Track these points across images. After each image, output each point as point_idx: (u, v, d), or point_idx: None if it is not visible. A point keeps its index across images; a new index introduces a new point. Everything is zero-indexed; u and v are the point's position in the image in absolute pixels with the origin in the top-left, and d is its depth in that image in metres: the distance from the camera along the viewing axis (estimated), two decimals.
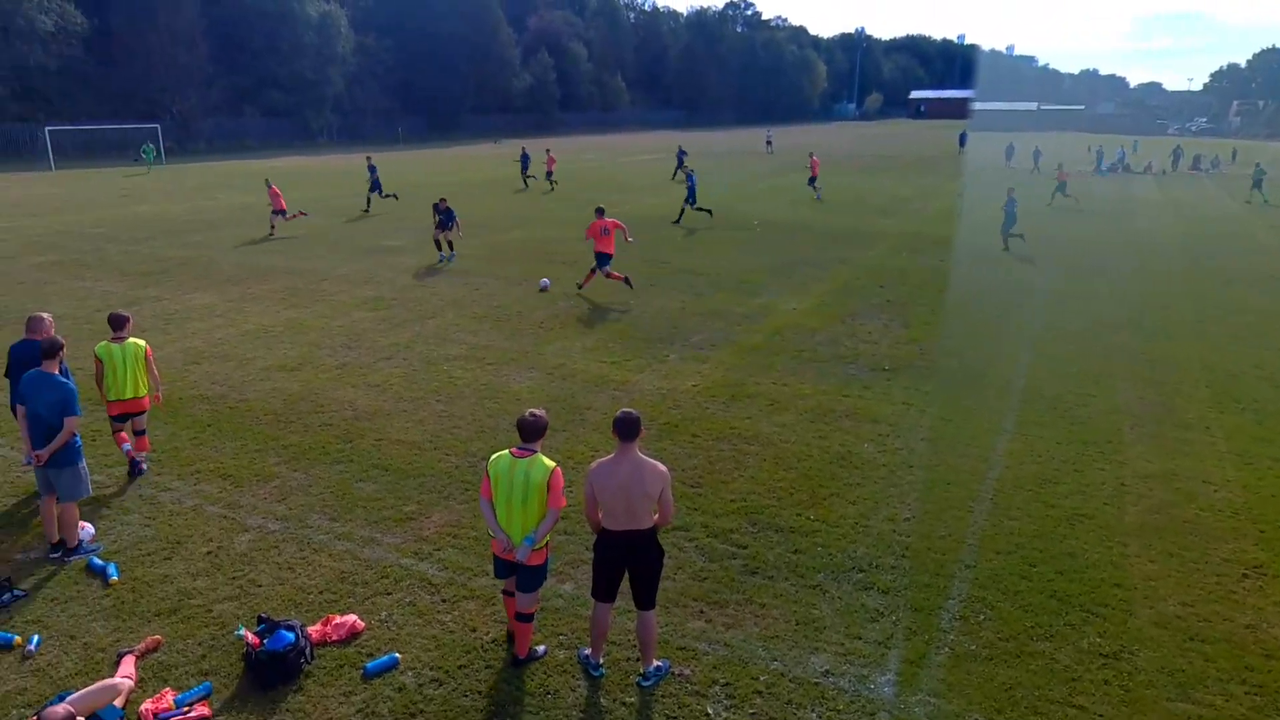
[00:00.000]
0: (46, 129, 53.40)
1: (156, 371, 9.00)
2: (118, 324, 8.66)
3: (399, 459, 9.38)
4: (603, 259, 16.58)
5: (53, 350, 7.38)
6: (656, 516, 5.75)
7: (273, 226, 24.42)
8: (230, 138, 69.03)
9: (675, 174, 39.41)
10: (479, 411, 10.69)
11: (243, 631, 6.27)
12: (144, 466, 8.98)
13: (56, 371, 7.39)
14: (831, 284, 17.61)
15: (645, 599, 5.90)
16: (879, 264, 19.95)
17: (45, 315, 8.16)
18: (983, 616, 6.73)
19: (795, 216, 28.08)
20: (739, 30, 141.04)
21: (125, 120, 60.72)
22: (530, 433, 5.85)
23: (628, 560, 5.81)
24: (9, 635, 6.42)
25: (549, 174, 37.15)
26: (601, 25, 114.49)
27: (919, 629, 6.57)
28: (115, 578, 7.18)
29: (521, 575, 5.99)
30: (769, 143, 66.40)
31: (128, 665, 6.04)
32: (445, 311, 15.76)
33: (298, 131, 74.48)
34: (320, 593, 7.00)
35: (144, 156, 51.51)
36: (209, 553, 7.58)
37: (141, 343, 8.78)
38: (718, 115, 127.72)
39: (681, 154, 42.12)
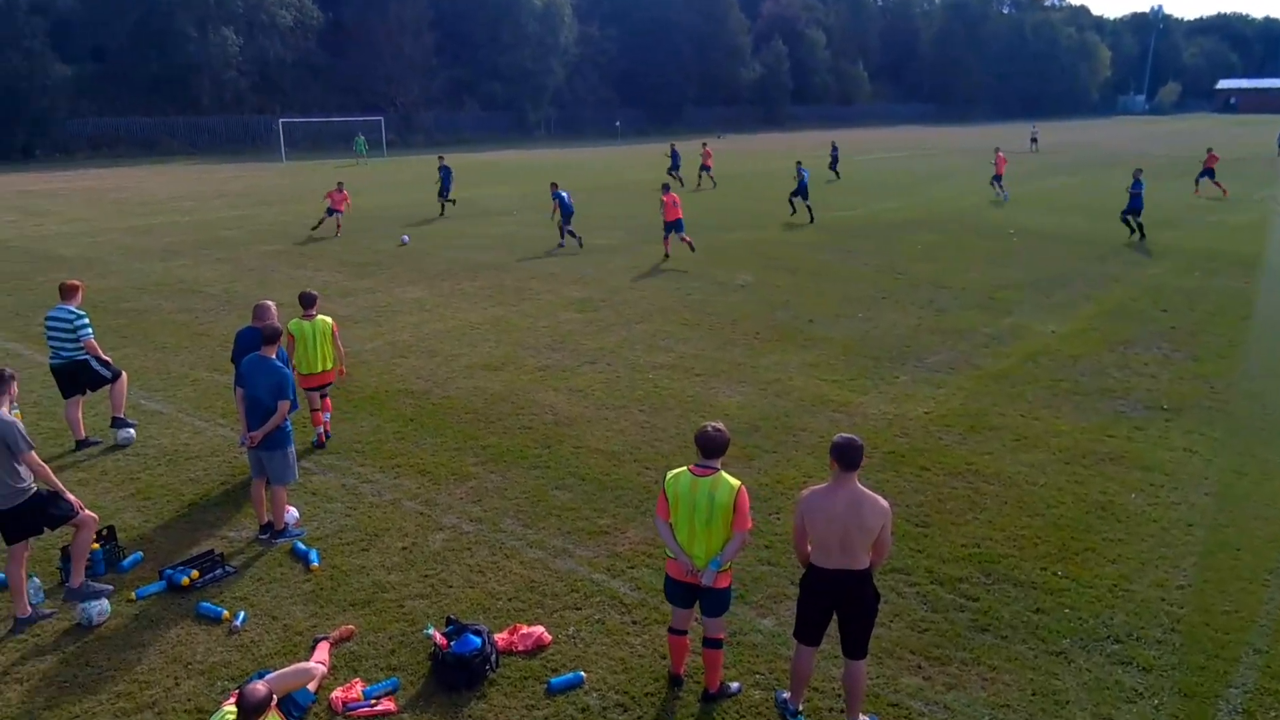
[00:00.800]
0: (280, 121, 59.51)
1: (342, 347, 10.13)
2: (308, 302, 9.86)
3: (597, 469, 9.67)
4: (676, 225, 20.99)
5: (273, 337, 8.17)
6: (873, 556, 5.64)
7: (338, 226, 25.42)
8: (448, 131, 74.00)
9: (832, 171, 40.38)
10: (683, 425, 10.82)
11: (431, 631, 6.64)
12: (325, 439, 10.07)
13: (274, 357, 8.15)
14: (1100, 305, 16.82)
15: (855, 646, 5.81)
16: (1161, 283, 18.91)
17: (269, 303, 9.13)
18: (1274, 714, 6.17)
19: (1059, 225, 27.01)
20: (1004, 12, 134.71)
21: (351, 113, 66.47)
22: (712, 449, 5.83)
23: (838, 601, 5.74)
24: (219, 609, 7.20)
25: (705, 168, 37.72)
26: (843, 10, 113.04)
27: (1189, 719, 6.04)
28: (316, 564, 7.82)
29: (707, 600, 6.00)
30: (1034, 140, 62.91)
31: (322, 651, 6.54)
32: (654, 316, 16.12)
33: (514, 125, 78.70)
34: (509, 599, 7.33)
35: (356, 149, 55.82)
36: (404, 548, 8.09)
37: (329, 319, 9.91)
38: (973, 109, 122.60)
39: (835, 151, 42.04)
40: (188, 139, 61.61)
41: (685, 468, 5.98)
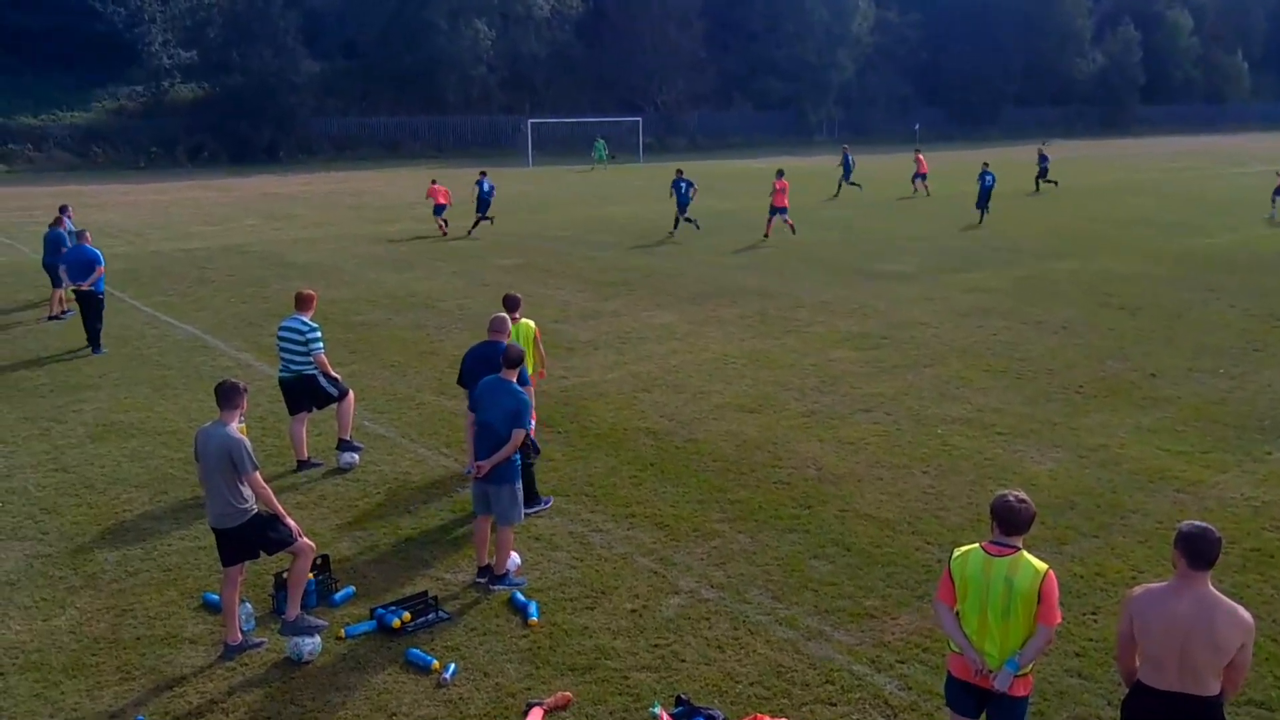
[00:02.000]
0: (529, 121, 63.15)
1: (543, 350, 11.00)
2: (512, 305, 10.66)
3: (866, 538, 9.58)
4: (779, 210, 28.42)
5: (517, 359, 8.60)
6: (1224, 682, 5.23)
7: (444, 223, 29.48)
8: (714, 133, 75.91)
9: (1041, 179, 42.49)
10: (976, 493, 10.57)
11: (658, 710, 6.71)
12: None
13: (515, 380, 8.56)
14: None
15: None
16: None
17: (507, 316, 9.74)
18: None
19: None
20: None
21: (605, 112, 69.69)
22: (1014, 523, 5.62)
23: None
24: (429, 658, 7.57)
25: (921, 176, 40.64)
26: None
27: None
28: (535, 618, 8.12)
29: (997, 710, 5.74)
30: None
31: (535, 717, 6.76)
32: (949, 358, 15.93)
33: (791, 126, 79.91)
34: (750, 684, 7.30)
35: (595, 154, 59.15)
36: (634, 610, 8.28)
37: (531, 323, 10.72)
38: None
39: (1044, 161, 43.41)
40: (431, 140, 66.73)
41: (977, 545, 5.82)
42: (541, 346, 10.97)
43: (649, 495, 10.62)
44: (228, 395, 7.66)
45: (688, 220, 29.80)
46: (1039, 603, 5.55)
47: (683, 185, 30.00)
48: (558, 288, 21.56)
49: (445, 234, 29.96)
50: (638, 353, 16.30)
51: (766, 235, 28.75)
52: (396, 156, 63.88)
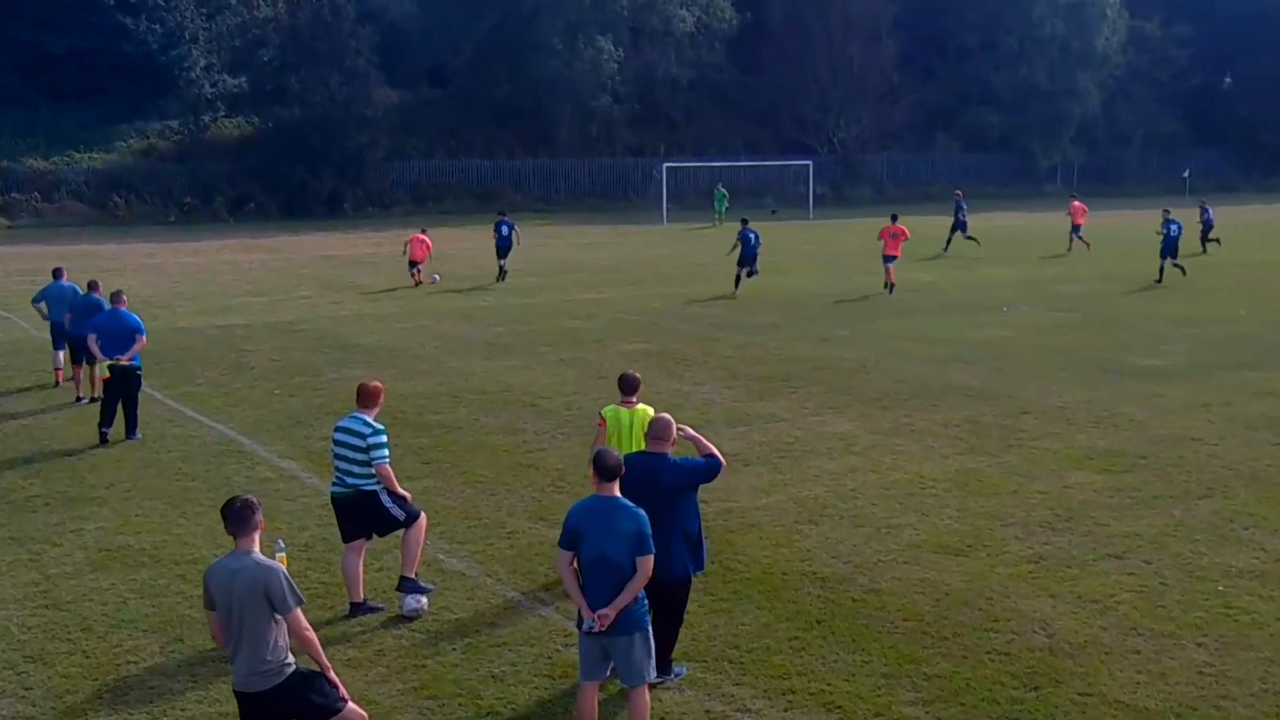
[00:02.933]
0: (664, 165, 64.29)
1: None
2: (629, 387, 11.75)
3: None
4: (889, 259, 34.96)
5: (614, 470, 8.81)
6: None
7: (418, 278, 34.74)
8: (909, 179, 76.71)
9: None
10: (1273, 675, 10.25)
11: None
12: None
13: (619, 492, 8.82)
14: None
15: None
16: None
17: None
18: None
19: None
20: None
21: (764, 154, 71.39)
22: None
23: None
24: None
25: (1076, 229, 46.42)
26: None
27: None
28: None
29: None
30: None
31: None
32: (1232, 487, 15.56)
33: (1014, 171, 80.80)
34: None
35: (716, 206, 61.29)
36: None
37: (650, 410, 11.30)
38: None
39: (1207, 216, 46.97)
40: (539, 188, 69.10)
41: None
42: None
43: (814, 664, 10.46)
44: (239, 517, 7.76)
45: (749, 275, 34.74)
46: None
47: (751, 237, 34.75)
48: (696, 382, 21.75)
49: (416, 283, 36.01)
50: (802, 471, 16.31)
51: (887, 285, 34.74)
52: (492, 208, 65.50)
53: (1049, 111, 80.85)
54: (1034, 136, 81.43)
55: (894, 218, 36.10)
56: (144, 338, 18.08)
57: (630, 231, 54.48)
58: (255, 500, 7.94)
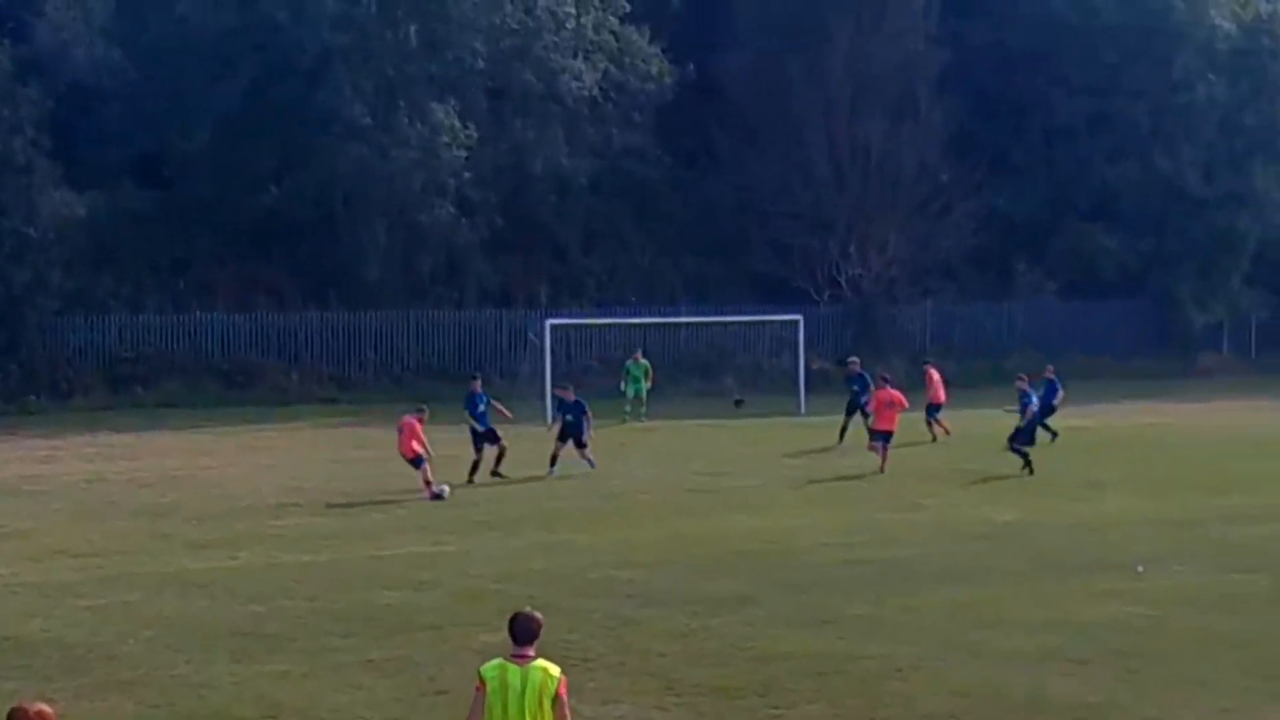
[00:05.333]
0: (546, 322, 62.58)
1: None
2: (524, 633, 12.72)
3: None
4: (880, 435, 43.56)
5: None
6: None
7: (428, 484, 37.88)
8: (968, 343, 76.25)
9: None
10: None
11: None
12: None
13: None
14: None
15: None
16: None
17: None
18: None
19: None
20: None
21: (721, 304, 73.24)
22: None
23: None
24: None
25: (933, 411, 51.60)
26: None
27: None
28: None
29: None
30: None
31: None
32: None
33: (1148, 332, 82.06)
34: None
35: (626, 388, 61.36)
36: None
37: (554, 673, 12.62)
38: None
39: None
40: (331, 363, 68.68)
41: None
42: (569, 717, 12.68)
43: None
44: None
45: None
46: None
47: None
48: (607, 700, 20.38)
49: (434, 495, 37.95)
50: None
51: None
52: (250, 396, 61.54)
53: (1205, 231, 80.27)
54: (1181, 274, 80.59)
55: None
56: None
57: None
58: None
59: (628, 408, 60.89)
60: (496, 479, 41.71)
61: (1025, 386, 47.13)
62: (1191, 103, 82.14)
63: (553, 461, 41.20)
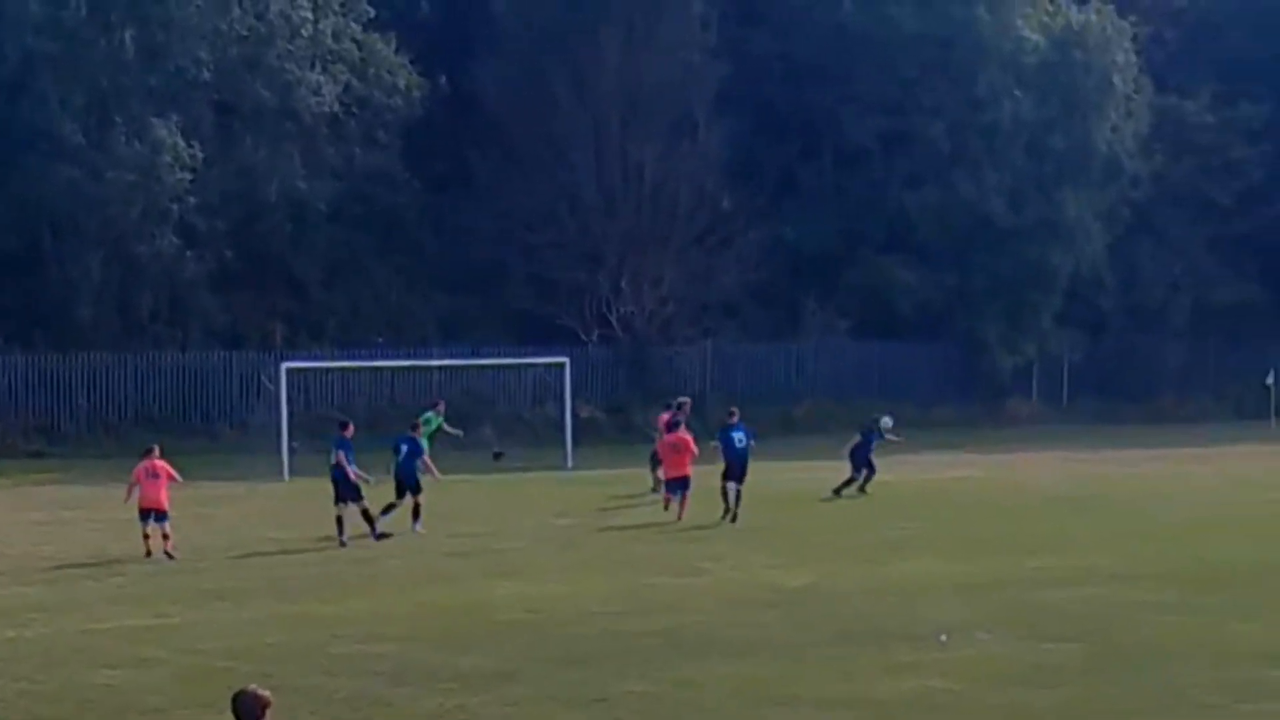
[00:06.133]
0: (282, 365, 63.39)
1: None
2: (247, 714, 11.97)
3: None
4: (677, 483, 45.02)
5: None
6: None
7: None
8: (755, 388, 76.79)
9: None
10: None
11: None
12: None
13: None
14: None
15: None
16: None
17: None
18: None
19: None
20: None
21: (479, 344, 74.05)
22: None
23: None
24: None
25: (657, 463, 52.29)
26: None
27: None
28: None
29: None
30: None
31: None
32: None
33: (953, 376, 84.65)
34: None
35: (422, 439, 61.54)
36: None
37: None
38: None
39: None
40: (38, 411, 68.09)
41: None
42: None
43: None
44: None
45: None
46: None
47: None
48: None
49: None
50: None
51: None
52: None
53: (1013, 265, 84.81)
54: (987, 312, 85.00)
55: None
56: None
57: (221, 494, 53.46)
58: None
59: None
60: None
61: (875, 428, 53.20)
62: (996, 122, 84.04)
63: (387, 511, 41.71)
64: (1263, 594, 34.60)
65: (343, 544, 41.09)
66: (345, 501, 42.03)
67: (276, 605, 34.47)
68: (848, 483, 52.79)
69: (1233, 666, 26.85)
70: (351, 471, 42.62)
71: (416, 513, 43.74)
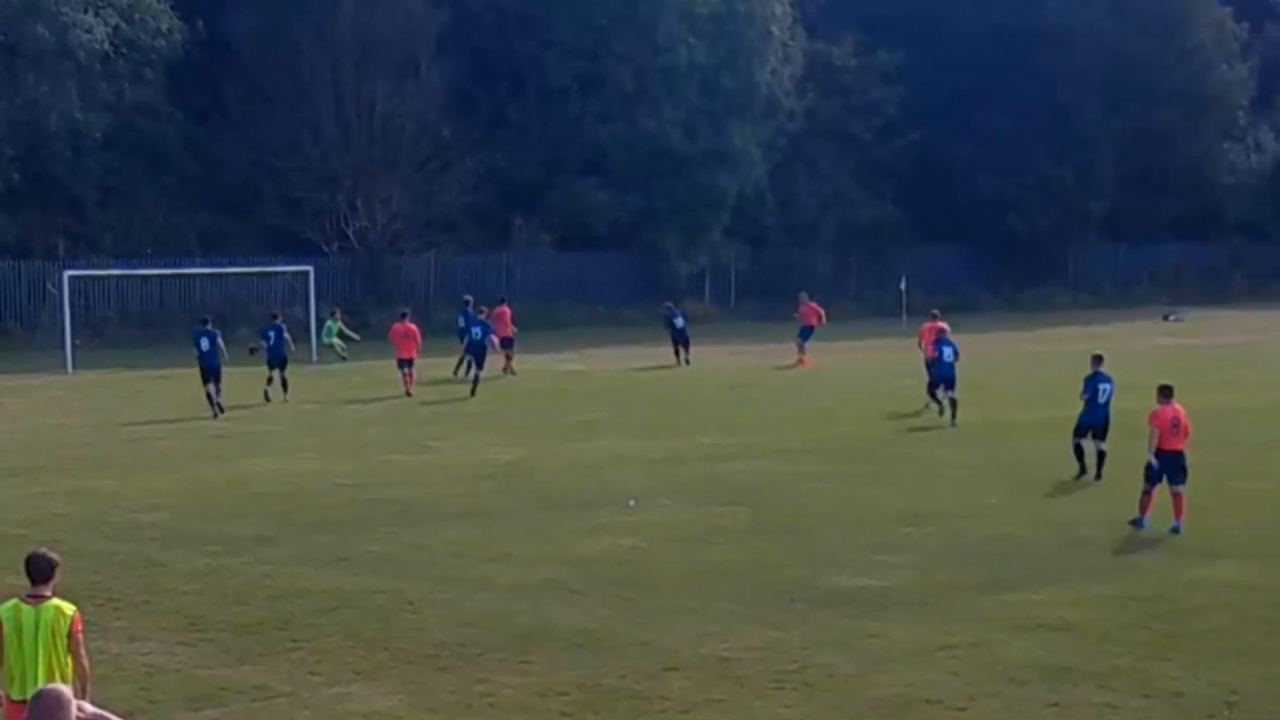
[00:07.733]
0: (64, 274, 66.32)
1: (86, 661, 13.76)
2: (40, 572, 13.68)
3: None
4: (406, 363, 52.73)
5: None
6: None
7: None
8: (472, 290, 72.90)
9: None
10: None
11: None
12: None
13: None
14: None
15: None
16: None
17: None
18: None
19: None
20: None
21: (236, 255, 76.77)
22: None
23: None
24: None
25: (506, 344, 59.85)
26: None
27: None
28: None
29: None
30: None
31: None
32: None
33: (638, 281, 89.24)
34: None
35: (326, 336, 66.53)
36: None
37: (68, 611, 13.50)
38: None
39: None
40: None
41: None
42: (84, 654, 13.65)
43: None
44: None
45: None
46: None
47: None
48: (134, 637, 21.35)
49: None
50: None
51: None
52: None
53: (688, 187, 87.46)
54: (667, 228, 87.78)
55: (404, 315, 53.53)
56: None
57: (12, 385, 56.63)
58: None
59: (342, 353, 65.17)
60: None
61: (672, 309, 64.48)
62: (674, 65, 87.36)
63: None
64: (894, 465, 37.30)
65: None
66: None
67: (62, 481, 35.20)
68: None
69: (871, 526, 29.10)
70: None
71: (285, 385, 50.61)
